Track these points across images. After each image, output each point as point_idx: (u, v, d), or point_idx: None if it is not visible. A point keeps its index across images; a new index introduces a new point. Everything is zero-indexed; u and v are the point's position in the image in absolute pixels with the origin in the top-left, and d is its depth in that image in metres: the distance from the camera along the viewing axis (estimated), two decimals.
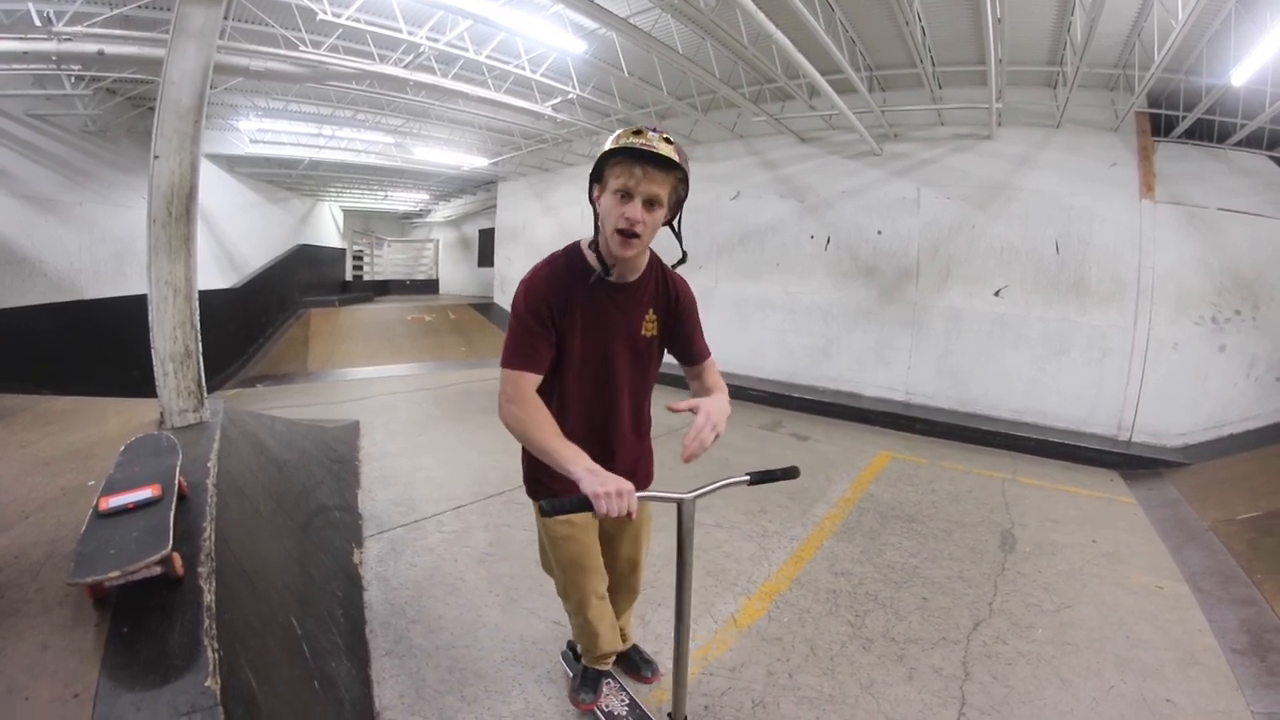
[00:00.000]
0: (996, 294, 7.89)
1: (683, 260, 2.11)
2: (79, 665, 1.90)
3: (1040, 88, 7.53)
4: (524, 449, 2.11)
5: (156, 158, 3.97)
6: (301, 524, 3.80)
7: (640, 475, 2.26)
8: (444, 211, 25.92)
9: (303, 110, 11.48)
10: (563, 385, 2.05)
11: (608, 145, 1.81)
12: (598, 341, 2.03)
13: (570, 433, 1.84)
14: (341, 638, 2.93)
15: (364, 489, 5.03)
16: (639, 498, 1.65)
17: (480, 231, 23.77)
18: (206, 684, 1.79)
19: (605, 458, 1.89)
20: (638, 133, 1.78)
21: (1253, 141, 6.60)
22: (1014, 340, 7.80)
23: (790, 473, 1.84)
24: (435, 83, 8.08)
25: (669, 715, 1.93)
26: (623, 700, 2.59)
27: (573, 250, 2.04)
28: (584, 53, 7.58)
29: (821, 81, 6.54)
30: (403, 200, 23.94)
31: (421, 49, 7.27)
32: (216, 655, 1.89)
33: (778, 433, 7.41)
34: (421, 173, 16.72)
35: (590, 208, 1.98)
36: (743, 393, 9.00)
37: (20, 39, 6.14)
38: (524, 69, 8.01)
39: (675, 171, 1.81)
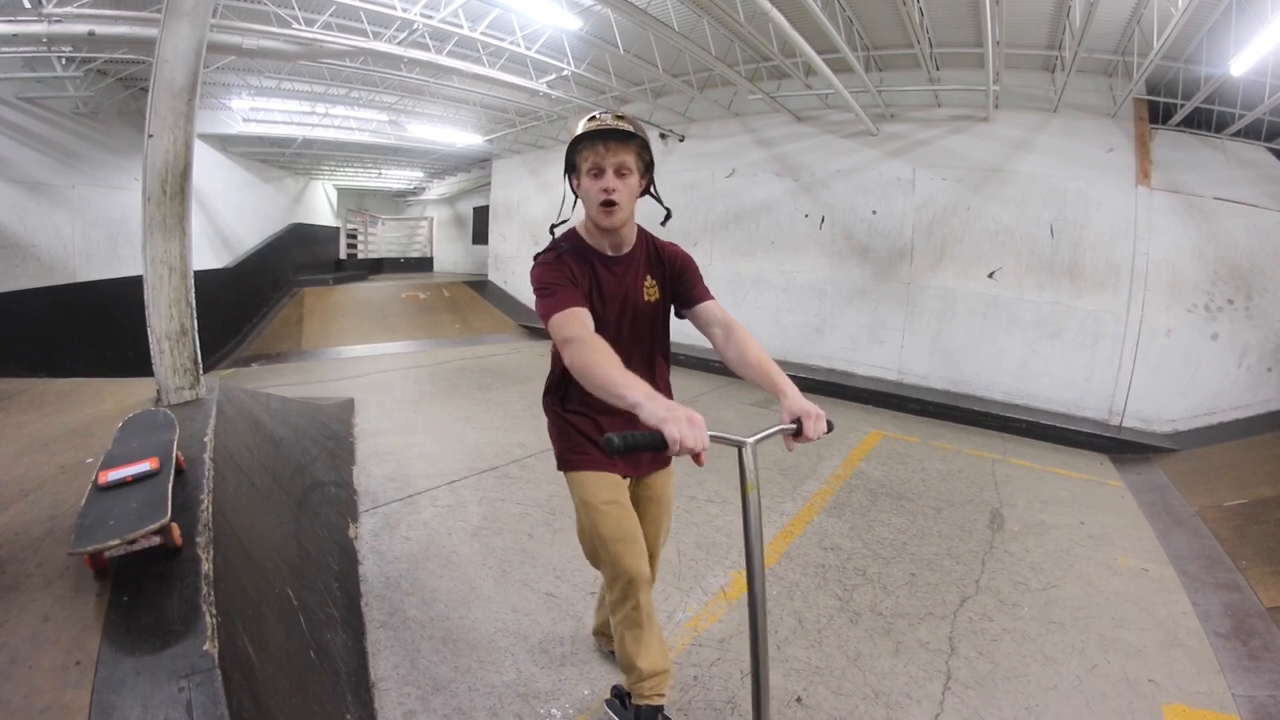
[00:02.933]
0: (990, 276, 7.92)
1: (668, 217, 2.26)
2: (80, 634, 1.94)
3: (1038, 71, 7.51)
4: (550, 423, 2.34)
5: (151, 137, 3.94)
6: (297, 499, 3.83)
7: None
8: (438, 189, 25.78)
9: (296, 88, 11.39)
10: None
11: (572, 137, 2.01)
12: (606, 310, 2.12)
13: (591, 400, 1.83)
14: (337, 610, 2.98)
15: (359, 465, 5.07)
16: (735, 440, 1.64)
17: (474, 209, 23.64)
18: (205, 648, 1.83)
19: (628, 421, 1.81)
20: (592, 118, 1.99)
21: (1251, 132, 6.61)
22: (1007, 322, 7.85)
23: (830, 426, 1.93)
24: (429, 59, 8.02)
25: None
26: None
27: (570, 233, 2.19)
28: (579, 29, 7.55)
29: (818, 60, 6.52)
30: (397, 178, 23.76)
31: (415, 25, 7.21)
32: (215, 621, 1.93)
33: (769, 410, 7.44)
34: (415, 150, 16.61)
35: (574, 197, 2.14)
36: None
37: (9, 21, 6.06)
38: (519, 45, 7.95)
39: (634, 141, 1.99)
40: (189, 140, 4.07)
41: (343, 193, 25.27)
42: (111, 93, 9.39)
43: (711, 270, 10.19)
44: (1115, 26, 6.32)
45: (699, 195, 10.63)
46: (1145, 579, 3.93)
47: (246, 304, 14.08)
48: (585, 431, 2.21)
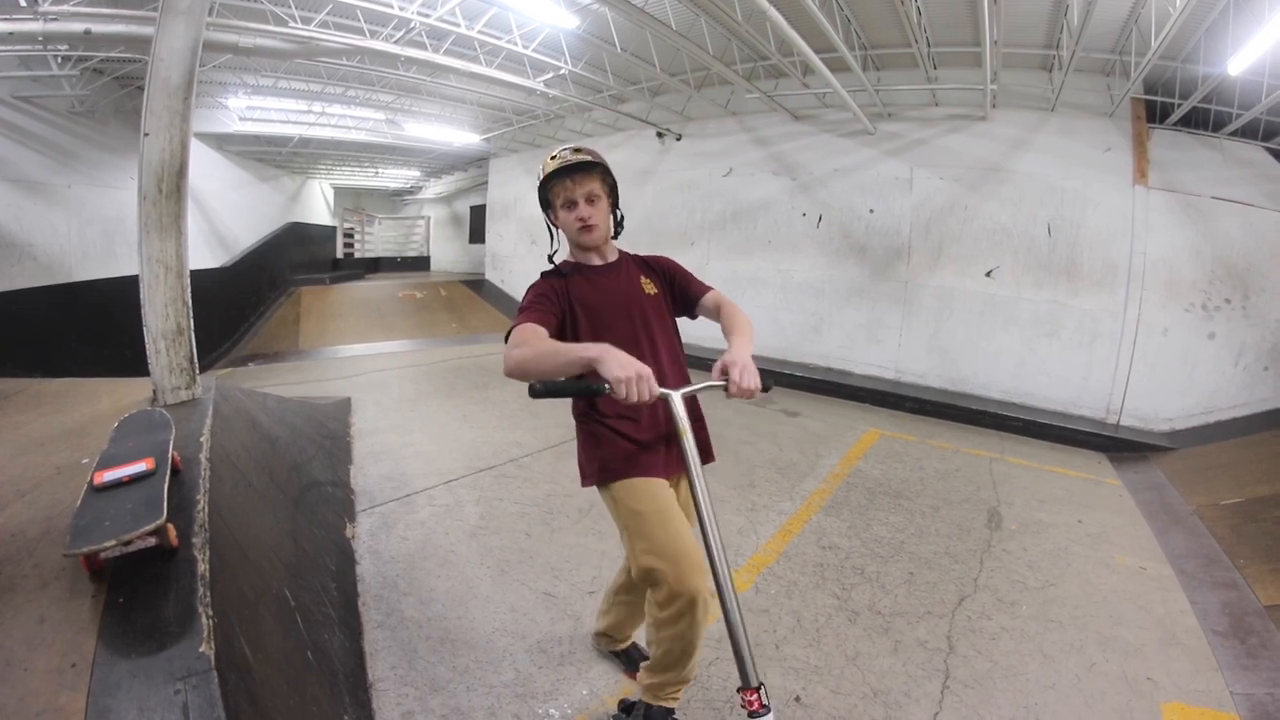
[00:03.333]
0: (988, 275, 7.93)
1: (620, 228, 2.38)
2: (76, 636, 1.92)
3: (1036, 71, 7.51)
4: (581, 442, 2.26)
5: (147, 135, 3.92)
6: (294, 499, 3.82)
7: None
8: (435, 188, 25.77)
9: (292, 87, 11.36)
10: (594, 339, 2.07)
11: (540, 178, 2.23)
12: (609, 307, 2.20)
13: (623, 405, 1.81)
14: (334, 610, 2.97)
15: (356, 464, 5.05)
16: (661, 392, 1.80)
17: (471, 208, 23.65)
18: (201, 650, 1.82)
19: (654, 425, 2.14)
20: (554, 157, 2.20)
21: (1248, 132, 6.61)
22: (1005, 321, 7.85)
23: (766, 385, 2.01)
24: (426, 58, 8.00)
25: (759, 685, 1.80)
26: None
27: (562, 262, 2.35)
28: (577, 28, 7.55)
29: (815, 59, 6.52)
30: (394, 177, 23.75)
31: (412, 24, 7.20)
32: (211, 622, 1.92)
33: (768, 409, 7.44)
34: (412, 149, 16.60)
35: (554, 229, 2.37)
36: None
37: (5, 19, 6.05)
38: (516, 44, 7.94)
39: (597, 169, 2.20)
40: (185, 139, 4.04)
41: (340, 192, 25.26)
42: (108, 91, 9.37)
43: (709, 269, 10.20)
44: (1113, 26, 6.32)
45: (696, 194, 10.62)
46: (1143, 577, 3.93)
47: (243, 303, 14.08)
48: (627, 434, 2.13)
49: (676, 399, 1.93)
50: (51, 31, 6.16)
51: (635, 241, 10.77)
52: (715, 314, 2.32)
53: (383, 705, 2.51)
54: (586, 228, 2.19)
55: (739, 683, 1.84)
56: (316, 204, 22.68)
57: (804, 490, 5.00)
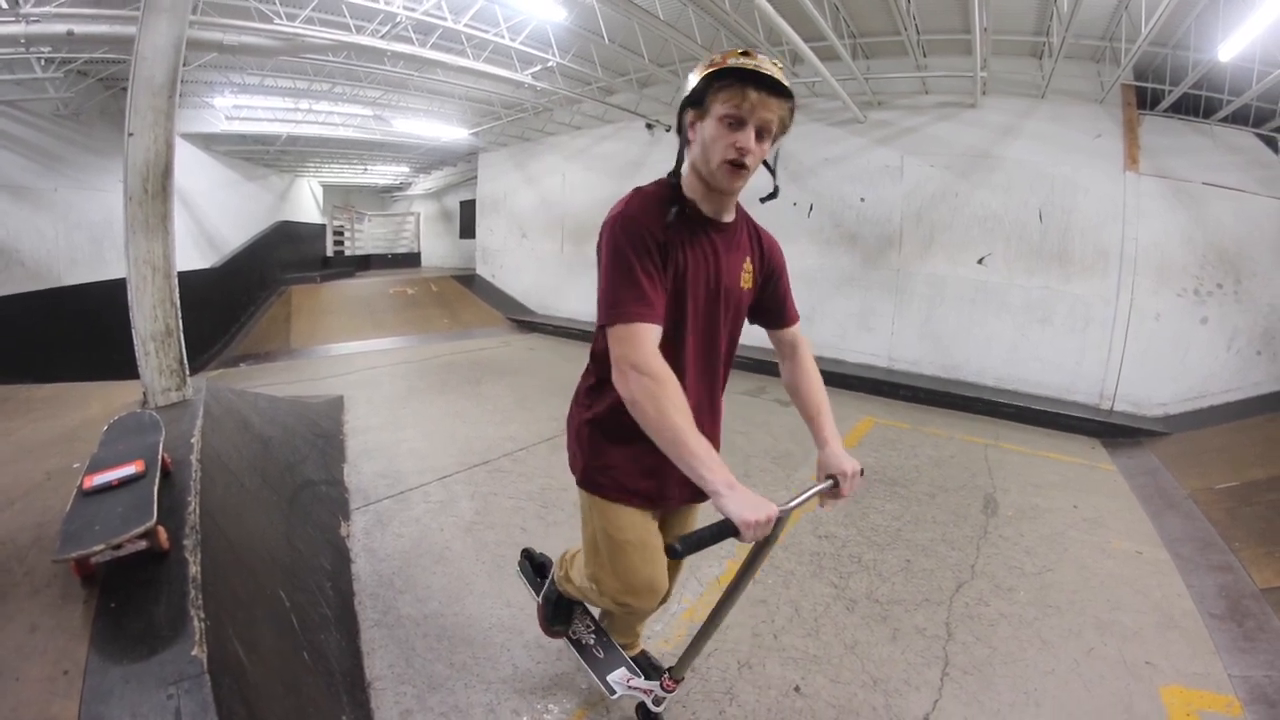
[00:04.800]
0: (980, 261, 7.93)
1: (774, 194, 1.89)
2: (68, 643, 1.91)
3: (1025, 58, 7.49)
4: (574, 430, 1.93)
5: (131, 135, 3.90)
6: (287, 498, 3.80)
7: (715, 440, 1.95)
8: (424, 184, 25.66)
9: (279, 85, 11.27)
10: (669, 338, 1.66)
11: (710, 68, 1.60)
12: (701, 291, 1.72)
13: (635, 429, 1.56)
14: (330, 610, 2.96)
15: (349, 463, 5.02)
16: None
17: (461, 203, 23.55)
18: (193, 653, 1.81)
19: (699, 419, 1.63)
20: (745, 53, 1.57)
21: (1239, 118, 6.61)
22: (997, 308, 7.86)
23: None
24: (413, 52, 7.94)
25: (672, 677, 1.93)
26: (588, 627, 2.44)
27: (662, 183, 1.74)
28: (564, 20, 7.50)
29: (805, 48, 6.48)
30: (383, 174, 23.66)
31: (398, 18, 7.15)
32: (203, 625, 1.90)
33: (761, 399, 7.43)
34: (401, 145, 16.50)
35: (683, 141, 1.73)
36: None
37: None
38: (503, 37, 7.90)
39: (789, 100, 1.60)
40: (170, 138, 4.02)
41: (329, 189, 25.12)
42: (92, 93, 9.27)
43: None
44: (1103, 12, 6.31)
45: None
46: (1139, 561, 3.94)
47: (234, 304, 13.97)
48: (620, 464, 1.84)
49: (783, 517, 1.55)
50: (34, 34, 6.08)
51: None
52: (789, 354, 2.01)
53: (381, 704, 2.49)
54: (739, 166, 1.59)
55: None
56: (305, 202, 22.56)
57: (799, 479, 4.99)
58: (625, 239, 1.59)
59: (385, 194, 28.64)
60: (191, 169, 12.08)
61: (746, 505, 1.42)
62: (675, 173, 1.73)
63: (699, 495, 1.80)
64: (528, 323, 12.59)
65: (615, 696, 2.23)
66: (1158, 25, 5.12)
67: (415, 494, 4.47)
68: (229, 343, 12.86)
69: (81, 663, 1.82)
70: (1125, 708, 2.63)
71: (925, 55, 7.81)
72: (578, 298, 12.56)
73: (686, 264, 1.67)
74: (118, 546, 2.07)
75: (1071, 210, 7.32)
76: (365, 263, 24.38)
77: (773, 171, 1.82)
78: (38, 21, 6.03)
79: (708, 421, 1.85)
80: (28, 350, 7.89)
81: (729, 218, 1.78)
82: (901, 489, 4.92)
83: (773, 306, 1.98)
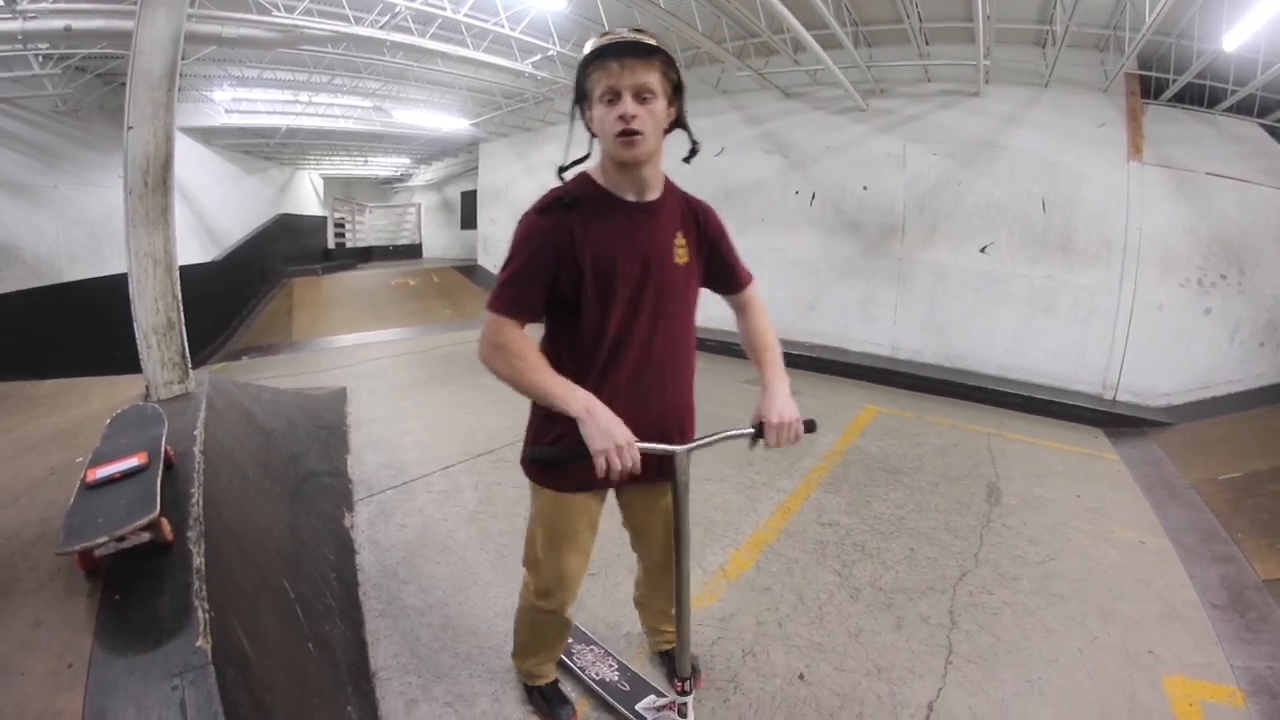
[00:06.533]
0: (983, 250, 7.89)
1: (694, 151, 1.85)
2: (72, 636, 1.91)
3: (1029, 46, 7.43)
4: (530, 424, 1.94)
5: (130, 129, 3.89)
6: (291, 490, 3.81)
7: (689, 421, 2.00)
8: (425, 175, 25.67)
9: (278, 77, 11.26)
10: (588, 322, 1.75)
11: (580, 62, 1.66)
12: (624, 268, 1.73)
13: (598, 386, 1.68)
14: (335, 600, 2.96)
15: (353, 454, 5.02)
16: (657, 449, 1.62)
17: (462, 194, 23.55)
18: (198, 644, 1.81)
19: (641, 404, 1.76)
20: (605, 34, 1.64)
21: (1243, 108, 6.55)
22: (1000, 297, 7.82)
23: (809, 426, 1.82)
24: (413, 43, 7.93)
25: (677, 677, 1.90)
26: (611, 666, 2.53)
27: (581, 175, 1.78)
28: (564, 8, 7.47)
29: (807, 36, 6.44)
30: (383, 165, 23.67)
31: (398, 9, 7.12)
32: (207, 617, 1.90)
33: (796, 398, 7.42)
34: (401, 136, 16.50)
35: (587, 136, 1.77)
36: (727, 348, 9.07)
37: None
38: (503, 26, 7.86)
39: (657, 56, 1.62)
40: (169, 131, 4.00)
41: (329, 182, 25.15)
42: (91, 89, 9.27)
43: None
44: (1107, 0, 6.25)
45: (688, 174, 10.39)
46: (1142, 551, 3.93)
47: (235, 297, 14.02)
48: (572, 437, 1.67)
49: (682, 457, 1.69)
50: (31, 30, 6.09)
51: None
52: (741, 312, 2.07)
53: (386, 694, 2.50)
54: (628, 134, 1.60)
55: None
56: (306, 195, 22.58)
57: (803, 468, 4.99)
58: (519, 239, 1.71)
59: (386, 185, 28.67)
60: (191, 163, 12.13)
61: (598, 431, 1.51)
62: (564, 167, 1.76)
63: (652, 476, 1.77)
64: None
65: None
66: (1162, 14, 5.07)
67: (419, 484, 4.47)
68: (231, 336, 12.91)
69: (86, 656, 1.83)
70: (1128, 697, 2.62)
71: (928, 43, 7.77)
72: None
73: (600, 248, 1.70)
74: (121, 539, 2.08)
75: (1075, 199, 7.27)
76: (367, 255, 24.43)
77: (688, 130, 1.80)
78: (35, 18, 6.05)
79: (671, 389, 1.90)
80: (29, 347, 7.94)
81: (653, 195, 1.81)
82: (905, 478, 4.91)
83: (723, 273, 2.03)
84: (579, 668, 2.54)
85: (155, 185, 3.97)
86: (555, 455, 1.69)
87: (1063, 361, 7.44)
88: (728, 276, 2.04)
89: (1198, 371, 6.77)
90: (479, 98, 13.03)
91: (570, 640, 2.63)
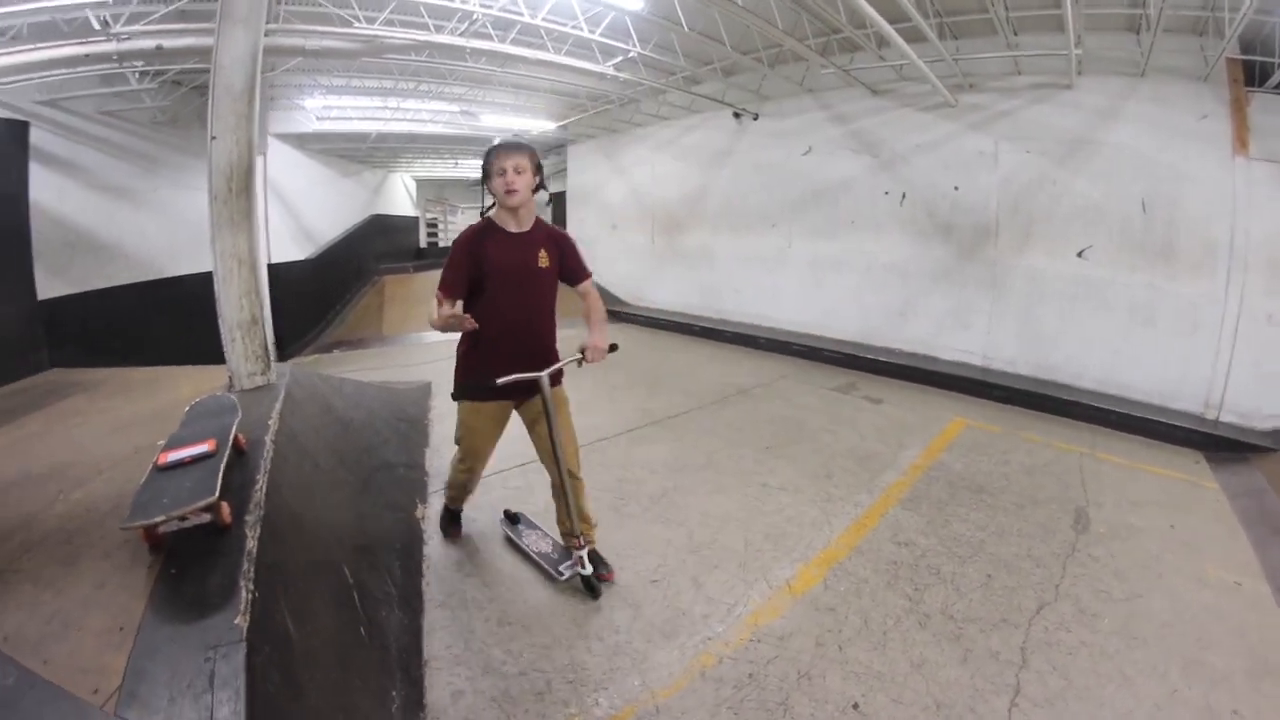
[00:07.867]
0: (1080, 255, 7.43)
1: (549, 196, 3.44)
2: (129, 601, 2.05)
3: (1122, 32, 6.90)
4: (457, 362, 3.18)
5: (214, 138, 4.11)
6: (363, 479, 3.92)
7: (551, 360, 3.16)
8: None
9: (365, 85, 11.67)
10: (488, 300, 2.95)
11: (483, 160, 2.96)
12: (508, 270, 2.96)
13: (495, 332, 2.94)
14: (395, 588, 3.03)
15: (432, 447, 5.09)
16: (524, 377, 2.94)
17: (551, 195, 23.83)
18: (235, 621, 1.89)
19: (520, 349, 3.04)
20: (498, 140, 2.96)
21: None
22: (1098, 306, 7.31)
23: (613, 348, 3.16)
24: (493, 48, 8.05)
25: (569, 535, 3.21)
26: (546, 542, 3.54)
27: (487, 218, 3.07)
28: (641, 9, 7.44)
29: (889, 30, 6.19)
30: (473, 168, 24.13)
31: (475, 16, 7.25)
32: (250, 596, 1.98)
33: (850, 395, 7.19)
34: (489, 139, 16.79)
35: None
36: (816, 354, 8.95)
37: (81, 44, 6.45)
38: (581, 29, 7.90)
39: (525, 150, 2.91)
40: (251, 140, 4.22)
41: (421, 183, 25.96)
42: (188, 100, 9.83)
43: (791, 253, 10.08)
44: None
45: (775, 175, 10.35)
46: (1237, 594, 3.55)
47: (329, 293, 14.61)
48: (484, 372, 2.94)
49: (544, 380, 3.03)
50: (125, 50, 6.55)
51: (717, 224, 10.48)
52: (584, 297, 3.28)
53: (434, 683, 2.53)
54: (510, 191, 2.87)
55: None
56: (399, 196, 23.38)
57: (883, 482, 4.78)
58: (454, 251, 2.97)
59: (477, 187, 29.36)
60: (288, 168, 12.76)
61: (439, 316, 2.84)
62: (484, 210, 3.12)
63: (530, 392, 3.10)
64: (619, 313, 12.38)
65: (564, 579, 3.24)
66: None
67: (494, 479, 4.40)
68: (324, 329, 13.45)
69: (137, 620, 1.96)
70: None
71: (1016, 33, 7.35)
72: (669, 289, 12.47)
73: (494, 259, 2.94)
74: (183, 518, 2.20)
75: (1176, 200, 6.70)
76: None
77: (545, 188, 3.08)
78: (128, 39, 6.51)
79: (536, 340, 3.18)
80: (130, 336, 8.60)
81: (527, 227, 3.06)
82: (989, 498, 4.63)
83: (568, 269, 3.21)
84: (525, 544, 3.54)
85: (239, 190, 4.19)
86: (464, 388, 3.09)
87: (1162, 377, 6.85)
88: (574, 273, 3.23)
89: None
90: (565, 100, 13.17)
91: (520, 525, 3.72)
